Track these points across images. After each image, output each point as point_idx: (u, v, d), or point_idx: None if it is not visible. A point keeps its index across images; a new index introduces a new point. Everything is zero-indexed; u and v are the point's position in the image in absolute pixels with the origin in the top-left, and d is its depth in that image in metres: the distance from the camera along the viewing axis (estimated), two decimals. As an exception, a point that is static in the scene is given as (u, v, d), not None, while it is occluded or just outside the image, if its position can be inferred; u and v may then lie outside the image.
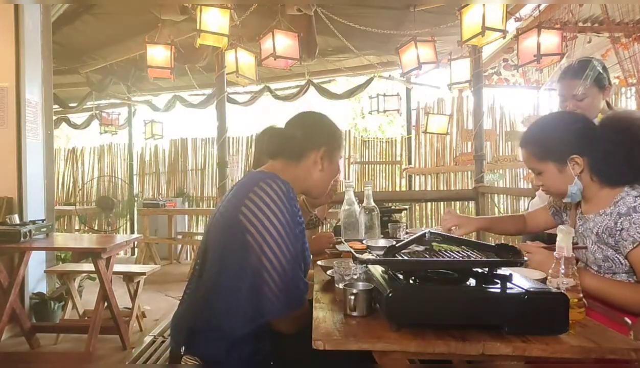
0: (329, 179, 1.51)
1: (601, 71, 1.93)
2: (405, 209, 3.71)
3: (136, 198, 7.91)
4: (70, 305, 3.48)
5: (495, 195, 5.84)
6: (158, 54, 3.97)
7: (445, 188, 6.94)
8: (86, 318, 3.44)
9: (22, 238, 2.78)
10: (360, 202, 2.06)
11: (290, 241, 1.24)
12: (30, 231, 2.89)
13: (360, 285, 1.18)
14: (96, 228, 7.55)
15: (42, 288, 3.62)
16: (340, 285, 1.22)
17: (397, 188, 7.50)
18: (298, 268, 1.27)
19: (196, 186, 7.84)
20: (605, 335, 1.02)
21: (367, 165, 7.56)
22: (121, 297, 3.42)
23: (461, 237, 1.38)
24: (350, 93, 6.41)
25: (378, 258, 1.23)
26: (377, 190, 7.05)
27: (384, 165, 7.55)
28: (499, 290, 1.06)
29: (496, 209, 6.32)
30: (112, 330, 3.05)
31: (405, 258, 1.18)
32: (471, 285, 1.12)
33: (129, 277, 3.49)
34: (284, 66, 3.98)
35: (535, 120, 1.60)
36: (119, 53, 5.40)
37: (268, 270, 1.21)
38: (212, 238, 1.34)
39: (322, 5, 4.20)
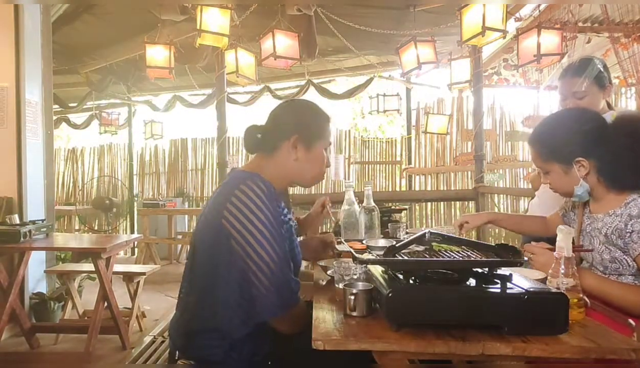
0: (313, 168, 1.42)
1: (602, 70, 1.94)
2: (405, 209, 3.71)
3: (136, 198, 7.92)
4: (70, 305, 3.48)
5: (495, 195, 5.84)
6: (157, 54, 3.97)
7: (445, 189, 6.94)
8: (86, 318, 3.44)
9: (22, 238, 2.78)
10: (360, 202, 2.06)
11: (275, 242, 1.22)
12: (30, 231, 2.89)
13: (360, 285, 1.18)
14: (96, 228, 7.55)
15: (42, 288, 3.62)
16: (340, 285, 1.22)
17: (397, 188, 7.50)
18: (287, 268, 1.25)
19: (196, 186, 7.85)
20: (605, 335, 1.02)
21: (367, 165, 7.56)
22: (121, 297, 3.42)
23: (461, 237, 1.38)
24: (350, 93, 6.41)
25: (378, 258, 1.23)
26: (377, 190, 7.06)
27: (384, 165, 7.55)
28: (499, 290, 1.06)
29: (496, 209, 6.32)
30: (112, 330, 3.05)
31: (405, 258, 1.18)
32: (471, 285, 1.12)
33: (128, 277, 3.49)
34: (284, 66, 3.98)
35: (547, 116, 1.59)
36: (119, 53, 5.40)
37: (256, 273, 1.19)
38: (198, 242, 1.33)
39: (322, 5, 4.20)
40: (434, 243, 1.30)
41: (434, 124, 6.03)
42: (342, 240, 1.96)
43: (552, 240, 1.47)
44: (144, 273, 3.50)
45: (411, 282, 1.12)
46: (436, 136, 6.82)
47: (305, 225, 2.43)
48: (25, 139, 3.41)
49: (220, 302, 1.24)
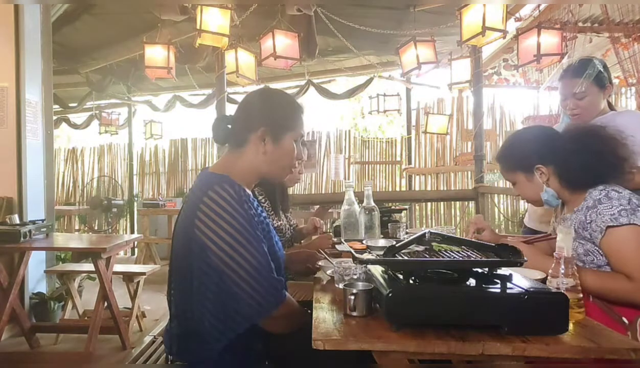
0: (281, 161, 1.36)
1: (602, 70, 1.94)
2: (405, 209, 3.71)
3: (136, 198, 7.92)
4: (70, 305, 3.48)
5: (495, 195, 5.84)
6: (156, 54, 3.97)
7: (445, 189, 6.94)
8: (86, 318, 3.44)
9: (22, 238, 2.78)
10: (360, 202, 2.06)
11: (252, 246, 1.19)
12: (30, 231, 2.89)
13: (360, 285, 1.18)
14: (96, 228, 7.55)
15: (42, 288, 3.62)
16: (340, 285, 1.22)
17: (397, 188, 7.51)
18: (268, 269, 1.21)
19: (196, 186, 7.84)
20: (605, 335, 1.02)
21: (367, 165, 7.56)
22: (121, 297, 3.42)
23: (461, 237, 1.38)
24: (350, 93, 6.41)
25: (378, 258, 1.23)
26: (377, 190, 7.06)
27: (384, 165, 7.55)
28: (498, 290, 1.06)
29: (496, 209, 6.32)
30: (112, 330, 3.05)
31: (405, 258, 1.18)
32: (471, 285, 1.12)
33: (128, 277, 3.49)
34: (284, 66, 3.97)
35: (509, 135, 1.80)
36: (119, 53, 5.41)
37: (236, 281, 1.17)
38: (175, 250, 1.31)
39: (322, 5, 4.20)
40: (434, 243, 1.30)
41: (434, 124, 6.03)
42: (342, 240, 1.96)
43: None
44: (144, 273, 3.50)
45: (411, 282, 1.12)
46: (436, 136, 6.82)
47: (300, 235, 2.45)
48: (25, 139, 3.41)
49: (200, 311, 1.22)
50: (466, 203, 6.51)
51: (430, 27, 4.44)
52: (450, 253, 1.22)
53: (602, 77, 1.95)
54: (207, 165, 8.02)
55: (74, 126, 7.64)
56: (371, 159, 7.57)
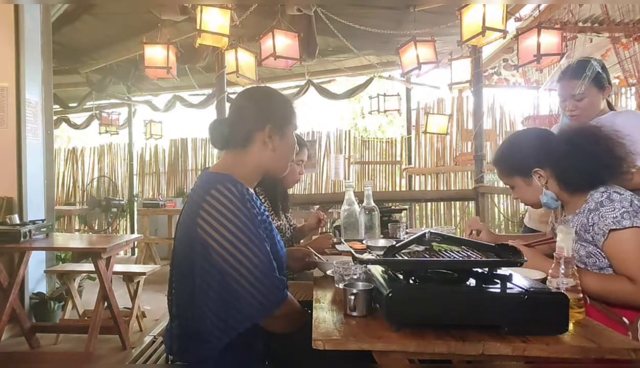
0: (287, 155, 1.40)
1: (600, 71, 1.94)
2: (405, 209, 3.72)
3: (136, 198, 7.92)
4: (70, 305, 3.48)
5: (495, 195, 5.84)
6: (156, 54, 3.96)
7: (445, 189, 6.94)
8: (86, 318, 3.44)
9: (22, 238, 2.78)
10: (360, 202, 2.06)
11: (254, 245, 1.19)
12: (30, 231, 2.89)
13: (360, 285, 1.18)
14: (96, 228, 7.55)
15: (42, 288, 3.62)
16: (340, 285, 1.22)
17: (397, 189, 7.51)
18: (270, 268, 1.21)
19: (196, 186, 7.85)
20: (605, 335, 1.02)
21: (367, 165, 7.56)
22: (121, 297, 3.42)
23: (461, 237, 1.38)
24: (350, 93, 6.41)
25: (378, 258, 1.23)
26: (377, 190, 7.05)
27: (384, 165, 7.55)
28: (498, 290, 1.06)
29: (496, 209, 6.32)
30: (112, 330, 3.05)
31: (405, 258, 1.18)
32: (471, 285, 1.12)
33: (129, 277, 3.49)
34: (284, 66, 3.97)
35: (505, 139, 1.76)
36: (119, 53, 5.41)
37: (238, 280, 1.17)
38: (177, 249, 1.31)
39: (322, 5, 4.20)
40: (434, 243, 1.30)
41: (434, 124, 6.03)
42: (342, 240, 1.96)
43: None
44: (144, 273, 3.50)
45: (411, 282, 1.12)
46: (436, 136, 6.82)
47: (301, 234, 2.45)
48: (25, 139, 3.41)
49: (201, 310, 1.22)
50: (466, 203, 6.51)
51: (430, 27, 4.44)
52: (450, 254, 1.22)
53: (601, 77, 1.95)
54: (207, 165, 8.04)
55: (74, 126, 7.64)
56: (371, 159, 7.57)
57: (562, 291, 1.08)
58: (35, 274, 3.56)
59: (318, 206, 4.29)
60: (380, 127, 11.73)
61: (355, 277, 1.27)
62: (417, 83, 6.74)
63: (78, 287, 3.61)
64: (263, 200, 2.18)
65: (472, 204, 5.51)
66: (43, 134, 3.63)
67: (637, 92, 4.13)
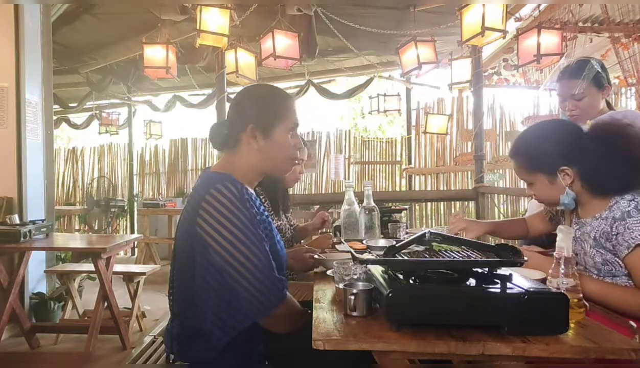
0: (280, 155, 1.35)
1: (599, 71, 1.94)
2: (405, 209, 3.71)
3: (136, 198, 7.91)
4: (70, 305, 3.48)
5: (495, 195, 5.84)
6: (155, 54, 3.96)
7: (445, 189, 6.94)
8: (86, 318, 3.44)
9: (22, 238, 2.78)
10: (360, 202, 2.06)
11: (253, 245, 1.19)
12: (30, 231, 2.89)
13: (360, 285, 1.18)
14: (96, 228, 7.55)
15: (42, 288, 3.62)
16: (340, 285, 1.22)
17: (397, 189, 7.50)
18: (269, 267, 1.20)
19: (196, 186, 7.84)
20: (605, 335, 1.02)
21: (367, 165, 7.56)
22: (121, 297, 3.42)
23: (461, 237, 1.38)
24: (350, 93, 6.41)
25: (378, 258, 1.22)
26: (377, 190, 7.05)
27: (384, 165, 7.55)
28: (498, 290, 1.06)
29: (496, 209, 6.31)
30: (112, 330, 3.05)
31: (405, 258, 1.18)
32: (471, 285, 1.12)
33: (129, 277, 3.49)
34: (284, 66, 3.97)
35: (524, 130, 1.62)
36: (119, 53, 5.40)
37: (237, 279, 1.17)
38: (177, 248, 1.31)
39: (322, 5, 4.20)
40: (434, 243, 1.29)
41: (434, 124, 6.03)
42: (342, 240, 1.96)
43: (551, 239, 1.49)
44: (144, 273, 3.50)
45: (411, 282, 1.12)
46: (436, 136, 6.82)
47: (303, 234, 2.45)
48: (25, 139, 3.41)
49: (201, 309, 1.22)
50: (466, 203, 6.51)
51: (431, 27, 4.44)
52: (450, 253, 1.22)
53: (601, 77, 1.95)
54: (207, 165, 8.06)
55: (74, 126, 7.64)
56: (371, 159, 7.57)
57: (562, 291, 1.08)
58: (35, 274, 3.55)
59: (318, 206, 4.28)
60: (380, 127, 11.73)
61: (355, 277, 1.27)
62: (417, 83, 6.74)
63: (78, 287, 3.61)
64: (263, 200, 2.18)
65: (472, 204, 5.51)
66: (43, 134, 3.63)
67: (636, 92, 4.13)
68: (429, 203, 6.94)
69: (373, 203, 2.05)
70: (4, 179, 3.35)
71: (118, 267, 3.46)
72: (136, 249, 6.60)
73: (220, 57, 4.39)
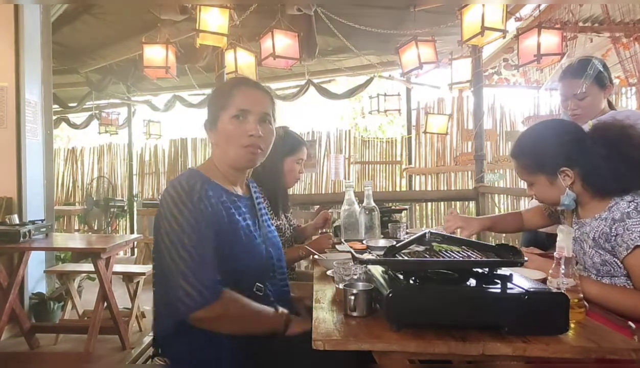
0: (231, 142, 1.34)
1: (602, 70, 1.94)
2: (405, 209, 3.70)
3: (136, 198, 7.91)
4: (69, 305, 3.48)
5: (496, 195, 5.84)
6: (155, 54, 3.96)
7: (445, 189, 6.94)
8: (86, 318, 3.44)
9: (21, 239, 2.77)
10: (360, 202, 2.06)
11: (191, 241, 1.19)
12: (29, 231, 2.89)
13: (360, 285, 1.18)
14: (96, 228, 7.55)
15: (42, 288, 3.62)
16: (340, 286, 1.22)
17: (397, 188, 7.50)
18: (201, 268, 1.20)
19: (196, 186, 7.84)
20: (605, 335, 1.02)
21: (367, 165, 7.56)
22: (121, 297, 3.42)
23: (461, 237, 1.38)
24: (350, 93, 6.41)
25: (378, 258, 1.22)
26: (377, 190, 7.05)
27: (384, 165, 7.55)
28: (499, 290, 1.06)
29: (496, 209, 6.32)
30: (112, 330, 3.05)
31: (405, 258, 1.18)
32: (471, 285, 1.12)
33: (128, 277, 3.49)
34: (284, 66, 3.97)
35: (525, 130, 1.63)
36: (119, 53, 5.40)
37: (173, 273, 1.19)
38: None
39: (322, 5, 4.19)
40: (434, 244, 1.29)
41: (434, 123, 6.02)
42: (342, 240, 1.96)
43: (551, 239, 1.49)
44: (143, 274, 3.50)
45: (411, 282, 1.12)
46: (436, 136, 6.82)
47: (304, 234, 2.44)
48: (25, 139, 3.41)
49: (158, 305, 1.29)
50: (466, 203, 6.51)
51: (431, 26, 4.44)
52: (450, 254, 1.22)
53: (603, 76, 1.95)
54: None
55: (74, 126, 7.64)
56: (371, 159, 7.57)
57: (563, 291, 1.08)
58: (35, 274, 3.55)
59: (318, 206, 4.28)
60: (380, 127, 11.73)
61: (355, 277, 1.27)
62: (417, 83, 6.74)
63: (78, 287, 3.61)
64: (263, 200, 2.17)
65: (472, 204, 5.51)
66: (43, 134, 3.63)
67: (637, 91, 4.13)
68: (429, 204, 6.94)
69: (373, 204, 2.04)
70: (4, 179, 3.35)
71: (118, 267, 3.46)
72: (136, 249, 6.59)
73: (220, 57, 4.38)
